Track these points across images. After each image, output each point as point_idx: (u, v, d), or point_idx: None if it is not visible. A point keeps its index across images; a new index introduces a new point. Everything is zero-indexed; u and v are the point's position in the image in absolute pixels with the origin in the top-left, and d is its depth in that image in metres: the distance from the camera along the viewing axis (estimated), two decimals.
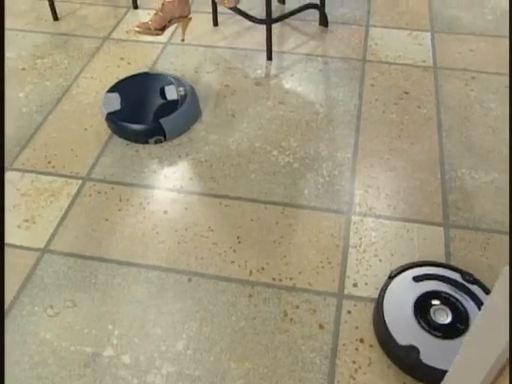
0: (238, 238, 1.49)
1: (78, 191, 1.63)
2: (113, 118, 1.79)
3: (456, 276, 1.30)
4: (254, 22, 2.13)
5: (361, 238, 1.48)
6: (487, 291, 1.27)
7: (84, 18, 2.42)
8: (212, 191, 1.62)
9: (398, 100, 1.94)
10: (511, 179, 1.65)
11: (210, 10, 2.31)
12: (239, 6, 2.09)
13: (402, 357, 1.19)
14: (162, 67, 2.10)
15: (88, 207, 1.58)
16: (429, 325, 1.21)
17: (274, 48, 2.15)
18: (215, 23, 2.34)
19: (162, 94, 1.84)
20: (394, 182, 1.64)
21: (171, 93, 1.83)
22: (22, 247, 1.48)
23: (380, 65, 2.11)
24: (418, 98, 1.95)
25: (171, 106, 1.79)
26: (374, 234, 1.50)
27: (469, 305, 1.24)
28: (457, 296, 1.26)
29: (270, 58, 2.14)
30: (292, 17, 2.23)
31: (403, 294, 1.27)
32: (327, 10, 2.32)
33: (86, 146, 1.78)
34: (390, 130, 1.82)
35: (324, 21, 2.31)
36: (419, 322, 1.22)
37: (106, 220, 1.55)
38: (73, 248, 1.47)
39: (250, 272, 1.41)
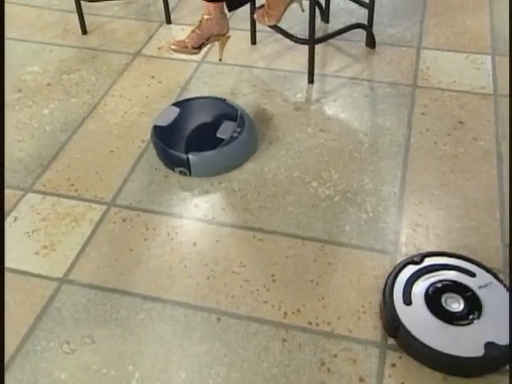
0: (272, 275, 1.51)
1: (102, 217, 1.67)
2: (154, 132, 1.85)
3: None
4: (295, 41, 2.17)
5: None
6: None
7: (114, 33, 2.52)
8: (245, 223, 1.65)
9: (452, 130, 1.95)
10: (511, 183, 1.67)
11: (248, 28, 2.38)
12: (279, 24, 2.14)
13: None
14: (195, 87, 2.17)
15: (112, 235, 1.63)
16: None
17: (316, 70, 2.19)
18: (253, 41, 2.41)
19: (218, 127, 1.85)
20: (446, 221, 1.64)
21: (226, 130, 1.83)
22: (39, 276, 1.52)
23: (432, 91, 2.13)
24: (474, 129, 1.95)
25: (213, 144, 1.79)
26: None
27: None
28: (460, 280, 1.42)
29: (311, 81, 2.18)
30: (336, 37, 2.27)
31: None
32: (375, 29, 2.36)
33: (111, 169, 1.84)
34: (443, 163, 1.83)
35: (371, 42, 2.35)
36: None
37: (131, 250, 1.58)
38: (94, 279, 1.51)
39: (285, 314, 1.42)
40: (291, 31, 2.20)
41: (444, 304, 1.37)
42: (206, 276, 1.51)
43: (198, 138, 1.83)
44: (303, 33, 2.22)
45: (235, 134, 1.82)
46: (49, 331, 1.39)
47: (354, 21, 2.44)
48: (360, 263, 1.53)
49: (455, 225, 1.62)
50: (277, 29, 2.20)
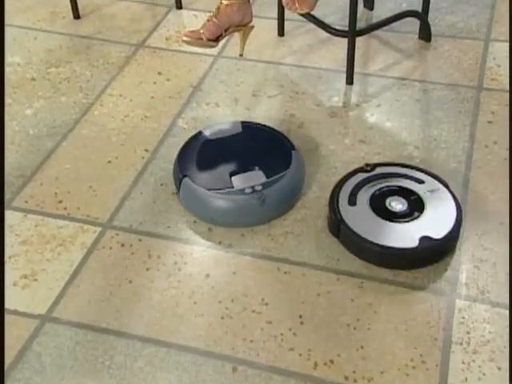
0: (299, 317, 1.52)
1: (96, 242, 1.71)
2: (190, 138, 1.90)
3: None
4: (332, 33, 2.20)
5: (469, 332, 1.48)
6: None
7: (113, 18, 2.57)
8: (268, 252, 1.67)
9: None
10: (511, 187, 1.75)
11: (275, 16, 2.42)
12: (313, 12, 2.16)
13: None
14: (210, 87, 2.20)
15: (107, 263, 1.65)
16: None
17: (357, 69, 2.21)
18: (281, 33, 2.45)
19: (246, 170, 1.78)
20: None
21: (247, 179, 1.74)
22: (16, 312, 1.54)
23: (503, 95, 2.13)
24: None
25: (220, 184, 1.74)
26: (490, 328, 1.49)
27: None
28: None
29: (350, 81, 2.21)
30: (383, 27, 2.27)
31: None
32: (431, 18, 2.37)
33: (108, 183, 1.87)
34: None
35: (426, 33, 2.37)
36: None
37: (130, 282, 1.61)
38: (83, 317, 1.53)
39: (315, 365, 1.43)
40: (327, 20, 2.23)
41: (388, 205, 1.71)
42: (220, 315, 1.53)
43: (213, 169, 1.82)
44: (342, 22, 2.24)
45: (248, 190, 1.71)
46: (25, 382, 1.40)
47: (404, 7, 2.46)
48: (408, 306, 1.54)
49: None
50: (310, 17, 2.22)
